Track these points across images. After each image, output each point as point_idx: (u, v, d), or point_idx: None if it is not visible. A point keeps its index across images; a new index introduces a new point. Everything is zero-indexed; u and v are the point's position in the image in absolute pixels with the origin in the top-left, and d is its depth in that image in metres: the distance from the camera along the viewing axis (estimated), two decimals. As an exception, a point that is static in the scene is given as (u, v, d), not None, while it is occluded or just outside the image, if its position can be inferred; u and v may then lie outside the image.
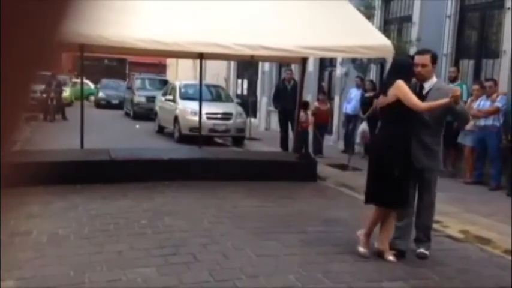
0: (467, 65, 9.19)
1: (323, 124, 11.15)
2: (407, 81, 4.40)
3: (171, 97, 13.99)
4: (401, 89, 4.31)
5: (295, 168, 8.27)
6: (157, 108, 15.20)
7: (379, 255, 4.49)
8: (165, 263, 4.14)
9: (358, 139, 10.31)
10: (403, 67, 4.55)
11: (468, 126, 8.14)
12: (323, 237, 5.03)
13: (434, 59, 4.61)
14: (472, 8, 9.22)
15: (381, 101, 4.53)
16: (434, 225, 5.72)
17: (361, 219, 4.88)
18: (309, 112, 10.72)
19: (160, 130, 14.63)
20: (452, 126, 8.41)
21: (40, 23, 0.41)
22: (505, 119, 7.67)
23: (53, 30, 0.42)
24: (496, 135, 7.74)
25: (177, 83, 14.99)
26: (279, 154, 10.40)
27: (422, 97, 4.44)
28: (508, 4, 8.05)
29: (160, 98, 15.08)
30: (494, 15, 8.74)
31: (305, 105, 10.41)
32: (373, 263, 4.39)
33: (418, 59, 4.56)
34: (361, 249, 4.53)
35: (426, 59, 4.54)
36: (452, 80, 8.82)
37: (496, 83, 7.93)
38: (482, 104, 7.87)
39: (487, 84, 7.94)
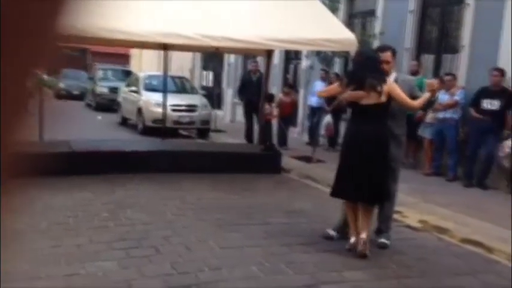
0: (428, 59, 9.39)
1: (288, 116, 11.21)
2: (376, 75, 4.43)
3: (134, 88, 13.77)
4: (395, 89, 4.40)
5: (259, 160, 8.29)
6: (120, 99, 14.94)
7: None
8: (126, 256, 4.09)
9: (322, 131, 10.41)
10: (369, 61, 4.57)
11: (428, 119, 8.35)
12: (286, 229, 5.06)
13: (394, 55, 4.74)
14: (433, 4, 9.41)
15: (356, 95, 4.45)
16: (394, 216, 5.86)
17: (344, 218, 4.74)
18: (274, 104, 10.75)
19: (123, 122, 14.41)
20: (412, 119, 8.63)
21: (38, 18, 0.41)
22: (463, 112, 7.89)
23: (51, 24, 0.42)
24: (454, 128, 7.96)
25: (141, 74, 14.78)
26: (244, 146, 10.40)
27: None
28: (467, 0, 8.26)
29: (123, 89, 14.84)
30: (454, 11, 8.94)
31: (270, 98, 10.43)
32: (335, 253, 4.45)
33: (381, 56, 4.62)
34: (352, 239, 4.47)
35: (388, 55, 4.64)
36: (414, 74, 9.00)
37: (455, 77, 8.14)
38: (442, 97, 8.06)
39: (447, 78, 8.13)
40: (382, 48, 4.85)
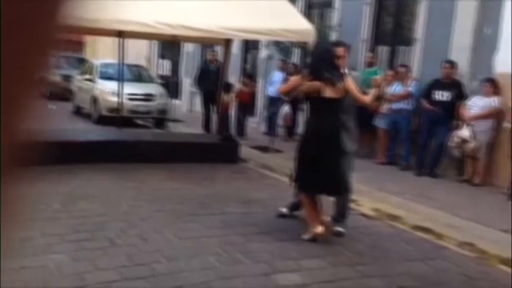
0: (384, 51, 9.58)
1: (246, 106, 11.21)
2: (331, 67, 4.53)
3: (89, 76, 13.42)
4: (352, 85, 4.55)
5: (217, 150, 8.27)
6: (74, 87, 14.53)
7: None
8: (80, 248, 4.01)
9: (280, 121, 10.47)
10: (326, 54, 4.71)
11: (382, 110, 8.54)
12: (243, 218, 5.09)
13: (348, 50, 4.95)
14: (389, -4, 9.59)
15: (313, 86, 4.53)
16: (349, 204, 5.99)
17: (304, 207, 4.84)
18: (232, 94, 10.72)
19: (77, 111, 14.03)
20: (367, 110, 8.80)
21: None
22: (416, 103, 8.11)
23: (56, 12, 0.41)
24: (407, 119, 8.18)
25: (96, 62, 14.40)
26: (202, 136, 10.34)
27: None
28: (420, -6, 8.46)
29: (77, 78, 14.43)
30: (408, 4, 9.14)
31: (227, 87, 10.39)
32: (291, 242, 4.51)
33: (336, 51, 4.77)
34: (319, 228, 4.52)
35: (342, 50, 4.80)
36: (370, 65, 9.18)
37: (409, 69, 8.34)
38: (396, 88, 8.26)
39: (401, 70, 8.33)
40: (337, 43, 5.05)
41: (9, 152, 0.42)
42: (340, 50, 4.76)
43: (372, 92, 4.78)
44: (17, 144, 0.43)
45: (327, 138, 4.48)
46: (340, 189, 4.61)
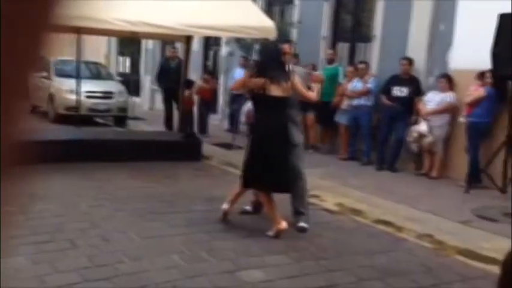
0: (344, 48, 9.72)
1: (208, 103, 11.15)
2: (278, 66, 4.65)
3: (44, 74, 13.03)
4: (298, 83, 4.66)
5: (179, 148, 8.19)
6: (29, 86, 14.08)
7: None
8: (39, 250, 3.89)
9: (242, 118, 10.46)
10: (273, 53, 4.85)
11: (343, 106, 8.67)
12: (207, 216, 5.06)
13: (292, 47, 5.20)
14: (348, -6, 9.73)
15: (257, 83, 4.59)
16: (313, 200, 6.05)
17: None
18: (194, 90, 10.64)
19: (32, 109, 13.58)
20: (329, 106, 8.92)
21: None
22: (376, 99, 8.27)
23: (48, 11, 0.42)
24: (368, 115, 8.33)
25: (52, 59, 13.98)
26: (163, 134, 10.23)
27: None
28: (378, -9, 8.62)
29: (33, 75, 13.99)
30: (366, 1, 9.30)
31: (188, 84, 10.30)
32: (255, 239, 4.52)
33: (284, 48, 4.94)
34: (284, 224, 4.59)
35: (287, 47, 4.98)
36: (330, 62, 9.29)
37: (368, 65, 8.49)
38: (356, 85, 8.39)
39: (360, 66, 8.47)
40: (282, 40, 5.26)
41: None
42: (286, 47, 4.93)
43: (315, 87, 4.90)
44: None
45: (276, 137, 4.56)
46: (291, 186, 4.69)
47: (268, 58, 4.79)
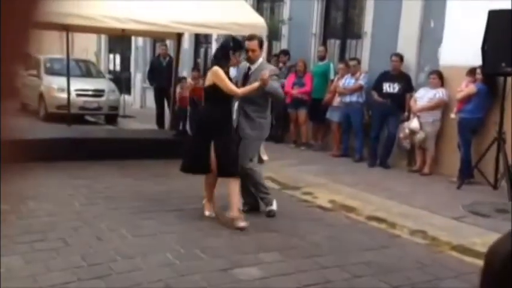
0: (334, 44, 9.72)
1: (198, 100, 11.09)
2: (225, 64, 4.75)
3: (34, 72, 12.91)
4: (218, 75, 4.70)
5: (171, 146, 8.13)
6: (18, 84, 13.95)
7: (232, 222, 4.70)
8: (31, 250, 3.85)
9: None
10: (222, 50, 4.90)
11: (335, 103, 8.68)
12: (200, 214, 5.04)
13: (261, 44, 5.12)
14: (338, -9, 9.72)
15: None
16: (306, 197, 6.06)
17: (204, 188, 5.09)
18: (187, 85, 10.59)
19: (23, 108, 13.47)
20: (321, 103, 8.93)
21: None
22: (367, 96, 8.28)
23: (34, 8, 0.41)
24: (360, 111, 8.34)
25: (41, 57, 13.87)
26: (155, 132, 10.18)
27: (248, 76, 4.97)
28: (369, -12, 8.62)
29: (22, 74, 13.86)
30: (357, -2, 9.31)
31: (181, 81, 10.26)
32: (249, 237, 4.51)
33: (248, 45, 4.99)
34: (207, 212, 4.96)
35: (255, 44, 4.99)
36: (321, 58, 9.30)
37: (359, 62, 8.50)
38: (347, 82, 8.40)
39: (351, 63, 8.48)
40: (250, 37, 5.15)
41: None
42: (253, 44, 4.97)
43: (252, 85, 4.81)
44: None
45: (207, 127, 4.78)
46: (228, 171, 4.76)
47: (219, 55, 4.89)
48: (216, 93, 4.71)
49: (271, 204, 5.10)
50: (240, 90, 4.81)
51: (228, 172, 4.76)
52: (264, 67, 4.99)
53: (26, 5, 0.41)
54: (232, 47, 4.81)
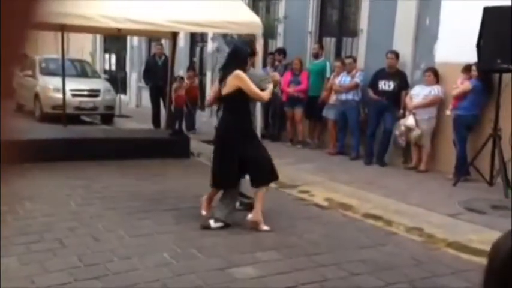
0: (330, 42, 9.72)
1: (194, 100, 11.09)
2: (244, 69, 4.66)
3: (29, 72, 12.87)
4: (243, 79, 4.56)
5: (168, 145, 8.15)
6: (14, 84, 13.90)
7: (254, 226, 4.64)
8: (28, 250, 3.85)
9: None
10: (240, 55, 4.79)
11: (331, 101, 8.68)
12: (197, 213, 5.03)
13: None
14: (333, -11, 9.72)
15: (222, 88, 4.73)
16: (302, 195, 6.07)
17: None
18: (184, 84, 10.59)
19: (18, 108, 13.44)
20: (317, 101, 8.93)
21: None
22: (363, 93, 8.29)
23: (30, 8, 0.41)
24: (355, 109, 8.34)
25: (37, 57, 13.83)
26: (151, 131, 10.17)
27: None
28: (364, -14, 8.62)
29: (17, 73, 13.81)
30: (352, -5, 9.31)
31: (178, 80, 10.26)
32: (246, 235, 4.51)
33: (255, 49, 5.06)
34: (204, 212, 4.91)
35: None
36: (316, 56, 9.29)
37: (355, 60, 8.50)
38: (343, 79, 8.40)
39: (347, 61, 8.47)
40: (252, 41, 5.14)
41: None
42: (256, 47, 5.07)
43: (269, 87, 4.81)
44: None
45: (230, 135, 4.65)
46: (265, 179, 4.72)
47: (231, 59, 4.77)
48: (235, 100, 4.58)
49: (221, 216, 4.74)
50: (265, 94, 4.72)
51: (266, 180, 4.71)
52: (252, 72, 4.92)
53: (24, 5, 0.42)
54: (249, 53, 4.82)
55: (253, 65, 4.96)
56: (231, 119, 4.69)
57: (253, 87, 4.57)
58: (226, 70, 4.75)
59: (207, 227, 4.60)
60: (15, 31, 0.42)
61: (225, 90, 4.62)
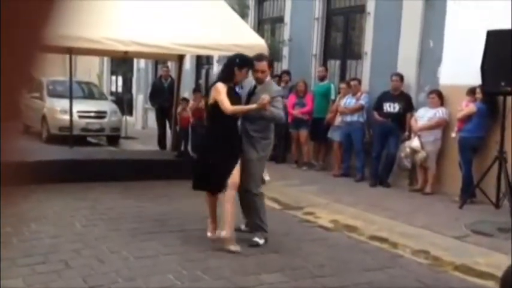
0: (334, 65, 9.80)
1: (200, 121, 11.14)
2: (229, 80, 4.73)
3: (37, 94, 13.01)
4: (217, 90, 4.69)
5: (173, 167, 8.16)
6: (21, 106, 14.04)
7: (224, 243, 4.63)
8: (33, 272, 3.84)
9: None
10: (227, 67, 4.89)
11: (336, 123, 8.71)
12: (202, 235, 5.02)
13: (271, 64, 5.12)
14: (337, 12, 9.84)
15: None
16: (308, 217, 6.05)
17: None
18: (188, 109, 10.65)
19: (25, 130, 13.55)
20: (322, 123, 8.97)
21: (28, 25, 0.41)
22: (368, 115, 8.32)
23: (39, 32, 0.42)
24: (361, 131, 8.37)
25: (44, 79, 13.99)
26: (157, 153, 10.21)
27: (252, 95, 4.86)
28: (368, 9, 8.74)
29: (25, 95, 13.95)
30: (356, 19, 9.42)
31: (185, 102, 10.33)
32: (251, 257, 4.49)
33: (258, 66, 4.86)
34: (209, 233, 4.88)
35: (264, 65, 4.91)
36: (321, 79, 9.37)
37: (360, 82, 8.56)
38: (348, 101, 8.45)
39: (353, 83, 8.53)
40: (259, 58, 5.04)
41: None
42: (262, 65, 4.86)
43: (249, 106, 4.75)
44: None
45: (205, 147, 4.90)
46: (217, 187, 4.78)
47: (223, 67, 4.93)
48: (217, 110, 4.69)
49: (259, 238, 4.83)
50: (232, 108, 4.66)
51: (217, 187, 4.76)
52: (267, 88, 4.86)
53: (33, 29, 0.42)
54: (237, 63, 4.76)
55: (262, 80, 4.90)
56: (211, 128, 4.94)
57: (223, 98, 4.62)
58: (216, 80, 4.93)
59: (256, 245, 4.74)
60: (25, 55, 0.43)
61: (209, 101, 4.86)
